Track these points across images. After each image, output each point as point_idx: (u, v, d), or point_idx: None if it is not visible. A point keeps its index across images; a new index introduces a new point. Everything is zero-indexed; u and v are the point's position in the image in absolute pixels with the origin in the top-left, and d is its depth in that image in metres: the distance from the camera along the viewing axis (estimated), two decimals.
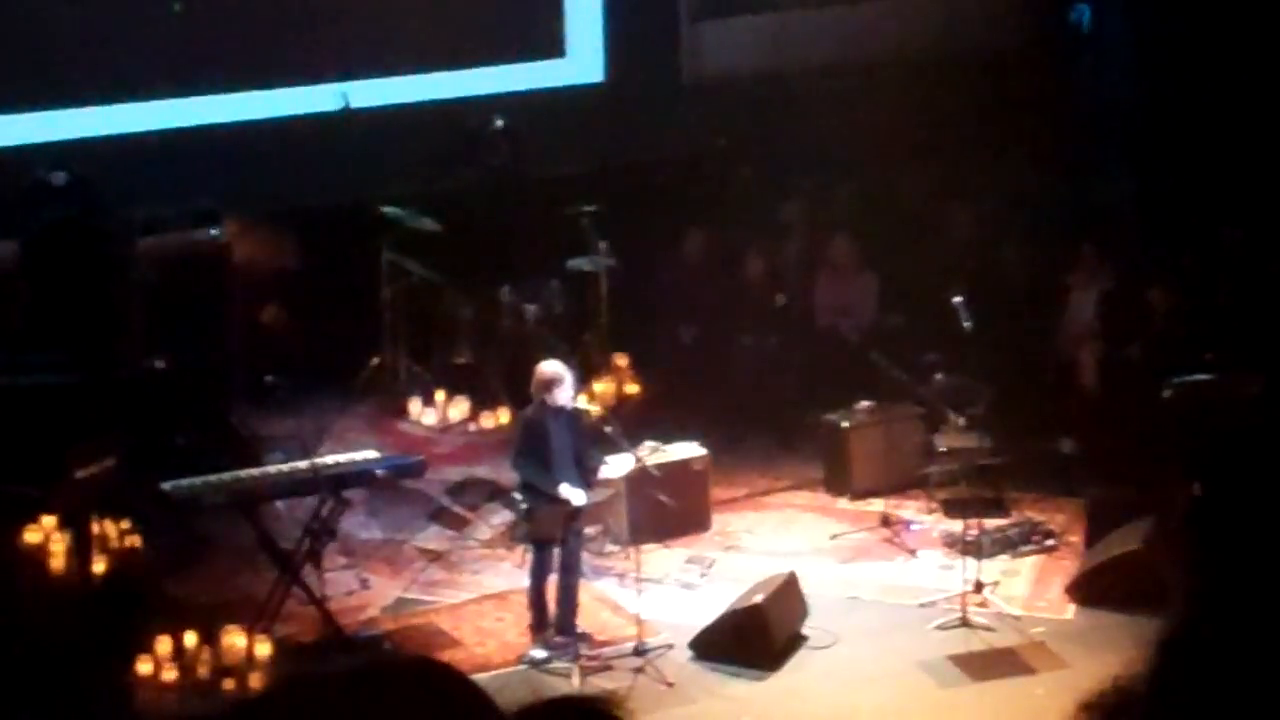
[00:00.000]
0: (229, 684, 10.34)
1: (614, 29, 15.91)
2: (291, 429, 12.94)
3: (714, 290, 14.54)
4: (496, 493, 12.82)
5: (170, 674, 10.35)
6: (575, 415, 11.25)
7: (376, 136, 14.44)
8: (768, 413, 13.93)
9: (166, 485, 10.92)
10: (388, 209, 14.05)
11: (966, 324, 12.26)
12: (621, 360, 14.05)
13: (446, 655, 10.77)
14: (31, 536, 11.13)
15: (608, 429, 11.56)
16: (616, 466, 11.66)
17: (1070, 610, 11.39)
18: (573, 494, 10.89)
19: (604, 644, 11.00)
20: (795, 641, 11.02)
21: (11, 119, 13.96)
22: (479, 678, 10.61)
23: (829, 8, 16.52)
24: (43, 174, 13.12)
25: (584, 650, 10.77)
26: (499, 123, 14.88)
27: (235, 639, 10.52)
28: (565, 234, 14.11)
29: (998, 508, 12.50)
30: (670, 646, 10.89)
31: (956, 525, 11.99)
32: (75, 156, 13.51)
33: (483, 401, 14.02)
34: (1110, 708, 2.53)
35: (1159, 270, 14.10)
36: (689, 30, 16.31)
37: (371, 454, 11.68)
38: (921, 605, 11.46)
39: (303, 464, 11.17)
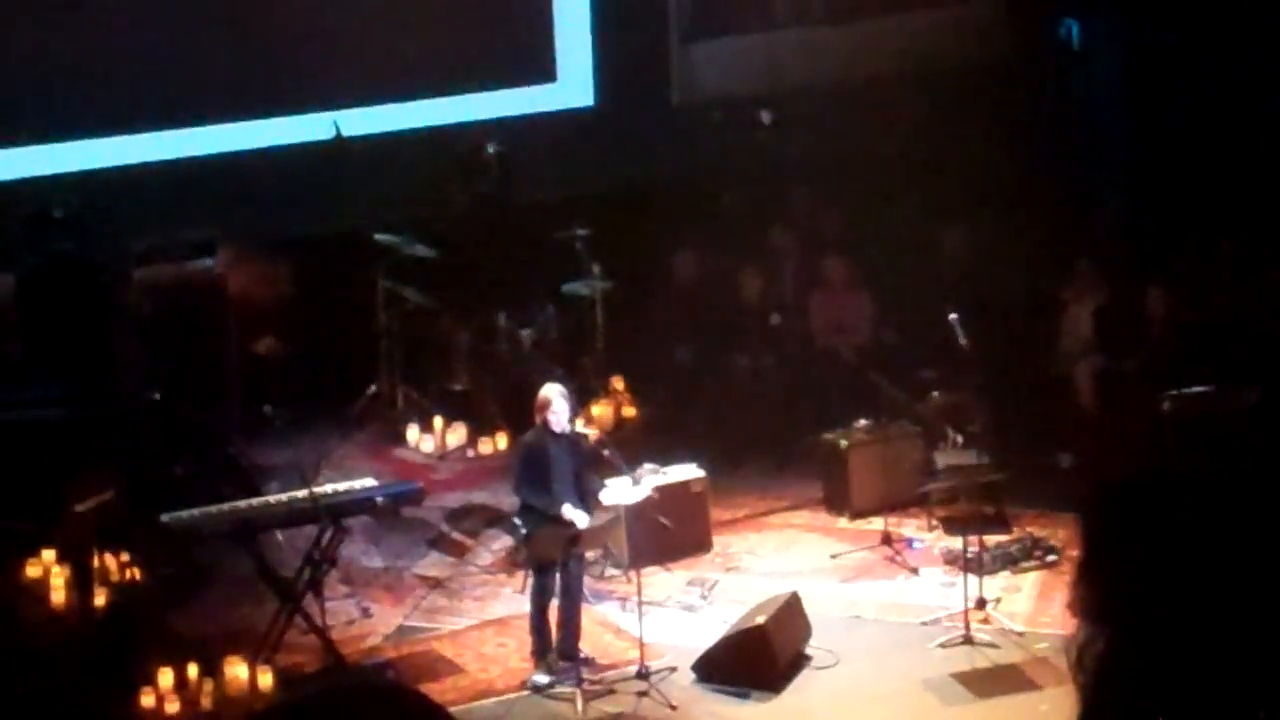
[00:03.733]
0: (232, 715, 10.31)
1: (604, 52, 15.92)
2: (290, 458, 12.95)
3: (709, 311, 14.54)
4: (496, 518, 12.81)
5: (173, 706, 10.31)
6: (575, 439, 11.23)
7: (370, 164, 14.43)
8: (766, 433, 13.92)
9: (166, 517, 10.93)
10: (382, 236, 14.08)
11: (963, 340, 12.25)
12: (618, 383, 14.04)
13: (449, 682, 10.78)
14: (32, 571, 11.13)
15: (606, 452, 11.55)
16: (619, 493, 11.63)
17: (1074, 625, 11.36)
18: (576, 516, 10.89)
19: (607, 668, 10.98)
20: (798, 662, 11.00)
21: (7, 153, 13.96)
22: (483, 704, 10.57)
23: (818, 28, 16.54)
24: (39, 207, 13.12)
25: (587, 674, 10.75)
26: (491, 148, 14.88)
27: (238, 670, 10.50)
28: (559, 258, 14.12)
29: (998, 524, 12.46)
30: (673, 669, 10.87)
31: (957, 542, 11.96)
32: (70, 189, 13.51)
33: (480, 427, 14.02)
34: None
35: (1156, 275, 14.09)
36: (678, 52, 16.32)
37: (370, 482, 11.68)
38: (924, 623, 11.44)
39: (301, 493, 11.15)
